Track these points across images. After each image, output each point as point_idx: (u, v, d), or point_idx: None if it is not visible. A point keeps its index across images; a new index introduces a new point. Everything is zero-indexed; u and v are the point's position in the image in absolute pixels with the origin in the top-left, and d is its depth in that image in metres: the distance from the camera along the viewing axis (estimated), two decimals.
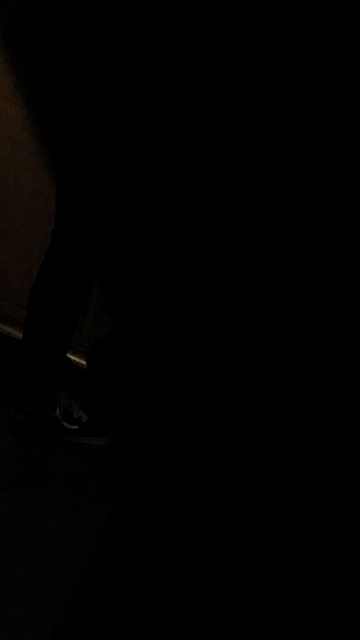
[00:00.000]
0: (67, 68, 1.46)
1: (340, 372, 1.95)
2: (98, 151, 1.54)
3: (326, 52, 1.58)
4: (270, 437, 1.97)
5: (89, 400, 1.98)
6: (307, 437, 1.96)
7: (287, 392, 2.00)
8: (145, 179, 1.73)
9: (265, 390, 2.03)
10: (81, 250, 1.66)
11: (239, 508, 1.83)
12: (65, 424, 1.93)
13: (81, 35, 1.41)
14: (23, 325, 1.82)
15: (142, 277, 2.08)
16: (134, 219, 1.87)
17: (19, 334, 2.12)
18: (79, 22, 1.39)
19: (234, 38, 1.55)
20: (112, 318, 2.18)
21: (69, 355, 1.96)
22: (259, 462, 1.93)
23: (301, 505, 1.85)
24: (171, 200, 1.88)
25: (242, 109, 1.67)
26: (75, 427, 1.93)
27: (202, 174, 1.81)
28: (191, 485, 1.88)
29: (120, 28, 1.38)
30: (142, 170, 1.66)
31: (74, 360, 2.16)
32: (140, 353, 2.14)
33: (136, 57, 1.41)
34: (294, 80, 1.61)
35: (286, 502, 1.85)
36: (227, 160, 1.77)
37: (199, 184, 1.83)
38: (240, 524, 1.79)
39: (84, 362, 2.18)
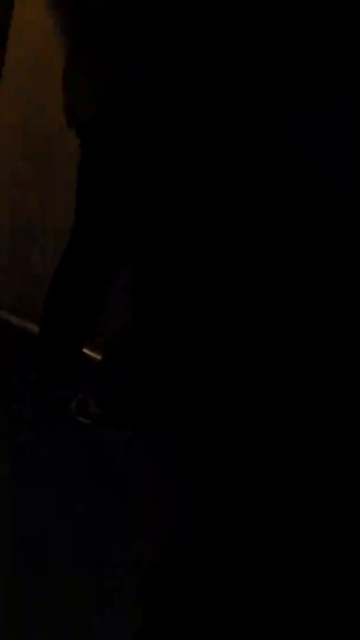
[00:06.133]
0: None
1: (341, 370, 1.95)
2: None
3: None
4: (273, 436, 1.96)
5: (104, 395, 1.98)
6: (308, 439, 1.94)
7: (289, 391, 1.99)
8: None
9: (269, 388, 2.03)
10: (103, 244, 1.67)
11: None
12: (80, 419, 1.94)
13: None
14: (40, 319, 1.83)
15: (156, 271, 2.09)
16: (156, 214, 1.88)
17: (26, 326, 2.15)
18: None
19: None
20: (126, 312, 2.18)
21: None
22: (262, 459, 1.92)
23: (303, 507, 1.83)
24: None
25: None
26: (90, 421, 1.94)
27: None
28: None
29: None
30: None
31: (89, 355, 2.17)
32: (155, 346, 2.14)
33: None
34: None
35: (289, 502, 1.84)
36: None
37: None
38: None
39: (98, 357, 2.19)
